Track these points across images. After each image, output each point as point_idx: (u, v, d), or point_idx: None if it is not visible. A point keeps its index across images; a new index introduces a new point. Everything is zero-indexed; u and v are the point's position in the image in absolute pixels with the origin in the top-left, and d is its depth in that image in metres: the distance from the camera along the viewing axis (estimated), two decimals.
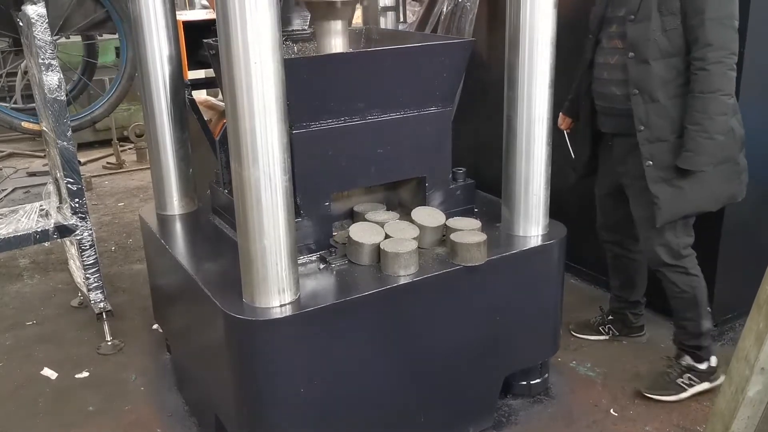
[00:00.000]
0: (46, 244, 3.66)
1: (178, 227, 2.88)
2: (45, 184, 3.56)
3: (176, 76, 2.82)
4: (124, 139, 7.08)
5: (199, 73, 3.51)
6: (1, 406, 2.98)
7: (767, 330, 1.77)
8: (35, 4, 3.02)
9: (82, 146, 6.55)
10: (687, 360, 2.85)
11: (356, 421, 2.33)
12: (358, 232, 2.43)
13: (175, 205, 2.96)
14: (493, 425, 2.72)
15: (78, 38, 5.04)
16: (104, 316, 3.40)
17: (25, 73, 4.70)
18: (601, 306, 3.41)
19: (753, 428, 1.90)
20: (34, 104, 3.60)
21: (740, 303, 2.94)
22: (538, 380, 2.88)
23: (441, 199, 2.69)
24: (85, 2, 4.10)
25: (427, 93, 2.55)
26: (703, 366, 2.83)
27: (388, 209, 2.68)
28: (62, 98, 3.08)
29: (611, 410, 2.82)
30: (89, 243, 3.28)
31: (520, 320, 2.63)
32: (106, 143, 7.00)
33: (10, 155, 6.67)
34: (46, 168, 4.22)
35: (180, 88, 2.87)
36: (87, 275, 3.33)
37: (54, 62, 3.03)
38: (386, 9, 4.14)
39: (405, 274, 2.32)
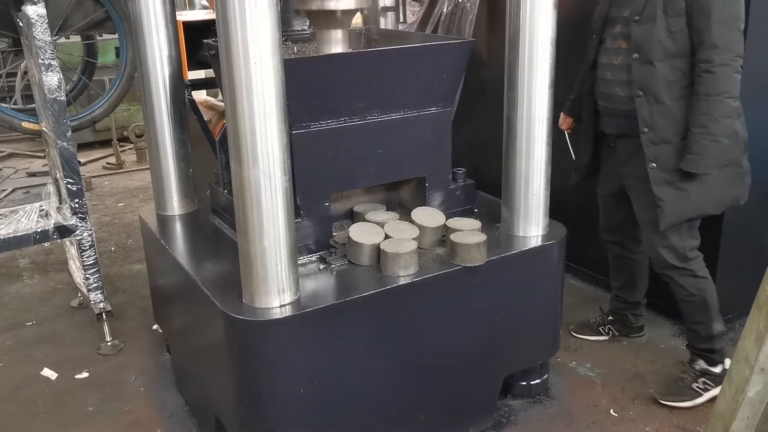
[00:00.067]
0: (46, 244, 3.66)
1: (178, 227, 2.88)
2: (45, 184, 3.56)
3: (176, 76, 2.82)
4: (124, 140, 7.08)
5: (199, 74, 3.51)
6: (1, 406, 2.98)
7: (767, 330, 1.77)
8: (35, 4, 3.02)
9: (82, 146, 6.55)
10: (701, 364, 2.82)
11: (356, 421, 2.33)
12: (358, 232, 2.43)
13: (175, 206, 2.96)
14: (493, 425, 2.72)
15: (77, 38, 5.03)
16: (104, 317, 3.39)
17: (25, 73, 4.70)
18: (601, 306, 3.41)
19: (753, 428, 1.90)
20: (34, 105, 3.60)
21: (740, 303, 2.93)
22: (537, 381, 2.88)
23: (441, 199, 2.69)
24: (85, 2, 4.10)
25: (427, 93, 2.55)
26: (717, 369, 2.80)
27: (388, 209, 2.68)
28: (62, 98, 3.08)
29: (611, 411, 2.82)
30: (89, 243, 3.28)
31: (519, 321, 2.63)
32: (106, 143, 7.00)
33: (10, 155, 6.67)
34: (46, 168, 4.22)
35: (180, 88, 2.87)
36: (87, 275, 3.33)
37: (54, 62, 3.03)
38: (386, 9, 4.14)
39: (405, 274, 2.32)
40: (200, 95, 4.20)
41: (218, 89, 3.78)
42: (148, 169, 3.29)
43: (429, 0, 4.39)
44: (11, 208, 3.38)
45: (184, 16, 3.53)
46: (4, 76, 5.36)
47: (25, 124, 4.14)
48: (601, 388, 2.97)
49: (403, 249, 2.32)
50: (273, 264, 2.08)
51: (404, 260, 2.31)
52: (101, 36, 4.92)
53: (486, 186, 3.05)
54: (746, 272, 2.62)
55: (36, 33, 2.98)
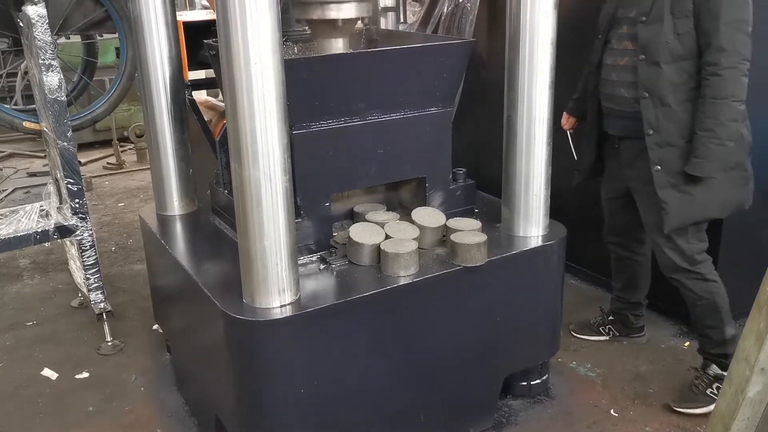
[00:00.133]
0: (47, 244, 3.66)
1: (178, 228, 2.88)
2: (45, 184, 3.56)
3: (176, 76, 2.82)
4: (124, 140, 7.08)
5: (200, 74, 3.51)
6: (1, 406, 2.98)
7: (767, 330, 1.77)
8: (35, 4, 3.02)
9: (83, 146, 6.55)
10: (714, 369, 2.79)
11: (356, 421, 2.33)
12: (359, 232, 2.43)
13: (175, 206, 2.96)
14: (493, 426, 2.72)
15: (78, 38, 5.04)
16: (104, 317, 3.40)
17: (26, 73, 4.70)
18: (601, 306, 3.41)
19: (753, 429, 1.90)
20: (34, 105, 3.60)
21: (740, 304, 2.93)
22: (538, 381, 2.88)
23: (441, 199, 2.69)
24: (84, 2, 4.11)
25: (428, 93, 2.55)
26: None
27: (388, 210, 2.68)
28: (62, 99, 3.08)
29: (611, 411, 2.82)
30: (89, 243, 3.28)
31: (520, 321, 2.63)
32: (106, 143, 7.00)
33: (11, 155, 6.67)
34: (47, 168, 4.23)
35: (180, 88, 2.87)
36: (87, 275, 3.33)
37: (54, 63, 3.03)
38: (386, 9, 4.14)
39: (405, 274, 2.32)
40: (200, 95, 4.20)
41: (218, 89, 3.78)
42: (148, 169, 3.29)
43: (429, 0, 4.39)
44: (11, 208, 3.39)
45: (185, 16, 3.53)
46: (4, 76, 5.37)
47: (26, 124, 4.15)
48: (602, 388, 2.97)
49: (403, 249, 2.32)
50: (273, 264, 2.08)
51: (404, 260, 2.31)
52: (101, 36, 4.93)
53: (486, 186, 3.05)
54: (746, 272, 2.61)
55: (36, 33, 2.98)
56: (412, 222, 2.51)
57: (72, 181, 3.16)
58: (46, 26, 3.00)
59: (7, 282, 4.22)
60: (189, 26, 3.23)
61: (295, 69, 2.19)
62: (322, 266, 2.41)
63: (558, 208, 2.80)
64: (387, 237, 2.42)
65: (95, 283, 3.35)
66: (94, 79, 5.08)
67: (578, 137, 3.10)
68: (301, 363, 2.17)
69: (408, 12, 4.53)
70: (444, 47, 2.56)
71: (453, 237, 2.42)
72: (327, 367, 2.21)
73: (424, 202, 2.65)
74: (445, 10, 4.23)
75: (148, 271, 3.24)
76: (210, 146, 3.22)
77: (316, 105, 2.33)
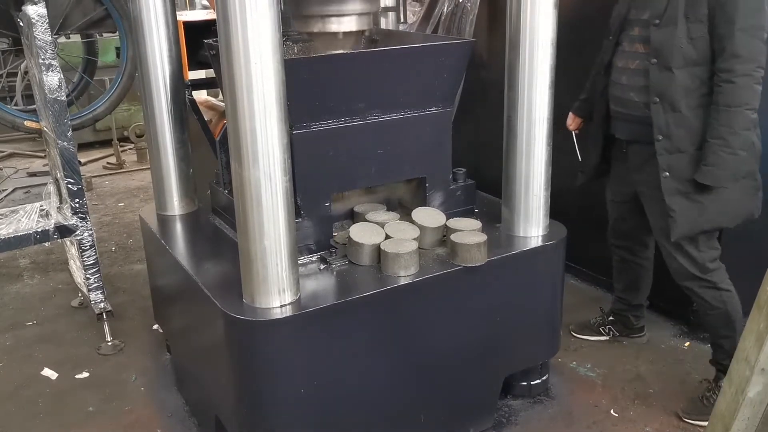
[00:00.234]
0: (47, 244, 3.65)
1: (179, 227, 2.88)
2: (45, 184, 3.56)
3: (176, 76, 2.82)
4: (124, 140, 7.08)
5: (200, 74, 3.50)
6: (1, 406, 2.98)
7: (767, 331, 1.77)
8: (36, 4, 3.02)
9: (83, 146, 6.55)
10: None
11: (356, 421, 2.33)
12: (359, 232, 2.43)
13: (176, 206, 2.96)
14: (493, 426, 2.72)
15: (78, 38, 5.04)
16: (104, 317, 3.39)
17: (26, 73, 4.70)
18: (601, 307, 3.40)
19: (753, 429, 1.90)
20: (34, 106, 3.60)
21: (741, 304, 2.93)
22: (538, 381, 2.88)
23: (441, 199, 2.69)
24: (84, 0, 4.11)
25: (428, 93, 2.55)
26: None
27: (388, 210, 2.67)
28: (62, 98, 3.08)
29: (611, 411, 2.82)
30: (89, 243, 3.28)
31: (520, 321, 2.63)
32: (106, 143, 7.00)
33: (11, 155, 6.67)
34: (47, 168, 4.23)
35: (180, 88, 2.87)
36: (87, 275, 3.33)
37: (54, 62, 3.03)
38: (387, 9, 4.14)
39: (405, 274, 2.32)
40: (201, 95, 4.20)
41: (219, 89, 3.78)
42: (148, 169, 3.29)
43: (429, 0, 4.39)
44: (12, 208, 3.38)
45: (185, 16, 3.53)
46: (4, 76, 5.37)
47: (27, 123, 4.15)
48: (602, 389, 2.97)
49: (403, 249, 2.32)
50: (273, 264, 2.08)
51: (405, 260, 2.31)
52: (101, 36, 4.93)
53: (486, 186, 3.05)
54: (746, 273, 2.62)
55: (36, 33, 2.98)
56: (413, 222, 2.51)
57: (72, 180, 3.16)
58: (46, 26, 2.99)
59: (7, 282, 4.22)
60: (189, 26, 3.23)
61: (295, 69, 2.19)
62: (322, 266, 2.41)
63: (558, 208, 2.80)
64: (387, 237, 2.42)
65: (95, 283, 3.35)
66: (94, 78, 5.08)
67: (583, 138, 3.08)
68: (301, 363, 2.17)
69: (408, 12, 4.53)
70: (444, 47, 2.56)
71: (453, 237, 2.42)
72: (327, 367, 2.21)
73: (424, 202, 2.65)
74: (445, 10, 4.23)
75: (148, 271, 3.24)
76: (210, 146, 3.22)
77: (316, 105, 2.33)
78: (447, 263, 2.42)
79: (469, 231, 2.46)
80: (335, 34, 2.57)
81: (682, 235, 2.57)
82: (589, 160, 3.00)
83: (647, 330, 3.31)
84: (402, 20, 4.42)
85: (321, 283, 2.31)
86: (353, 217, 2.65)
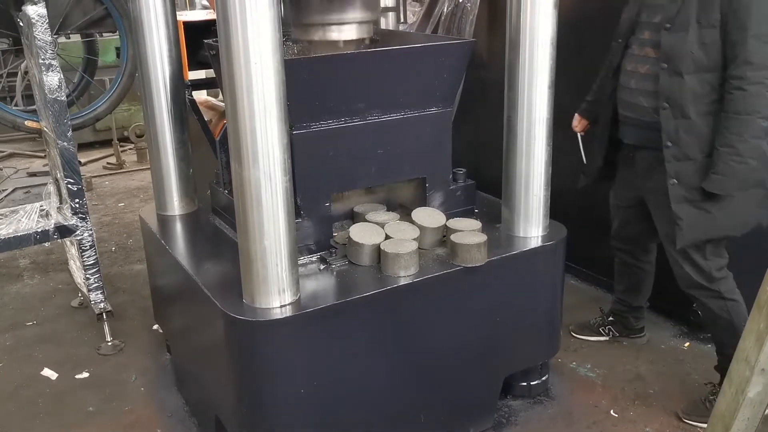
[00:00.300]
0: (47, 244, 3.66)
1: (179, 228, 2.88)
2: (45, 184, 3.56)
3: (176, 76, 2.82)
4: (124, 140, 7.08)
5: (200, 74, 3.51)
6: (1, 406, 2.98)
7: (767, 331, 1.77)
8: (36, 4, 3.02)
9: (83, 146, 6.55)
10: None
11: (356, 421, 2.33)
12: (359, 232, 2.43)
13: (176, 206, 2.96)
14: (493, 426, 2.72)
15: (78, 38, 5.04)
16: (104, 317, 3.39)
17: (26, 73, 4.70)
18: (600, 307, 3.40)
19: (753, 429, 1.90)
20: (34, 106, 3.61)
21: (747, 313, 2.93)
22: (538, 381, 2.88)
23: (441, 199, 2.69)
24: (84, 0, 4.11)
25: (428, 94, 2.55)
26: None
27: (388, 210, 2.67)
28: (62, 98, 3.08)
29: (611, 411, 2.82)
30: (89, 243, 3.28)
31: (520, 321, 2.63)
32: (106, 143, 7.00)
33: (11, 155, 6.67)
34: (47, 168, 4.23)
35: (180, 88, 2.87)
36: (87, 275, 3.33)
37: (54, 62, 3.03)
38: (387, 9, 4.14)
39: (405, 274, 2.32)
40: (201, 95, 4.21)
41: (219, 89, 3.78)
42: (148, 169, 3.29)
43: (429, 0, 4.39)
44: (12, 208, 3.38)
45: (185, 16, 3.53)
46: (5, 76, 5.38)
47: (28, 123, 4.16)
48: (602, 389, 2.97)
49: (403, 249, 2.32)
50: (273, 264, 2.08)
51: (405, 260, 2.31)
52: (101, 35, 4.93)
53: (486, 186, 3.05)
54: (746, 273, 2.61)
55: (36, 33, 2.98)
56: (412, 222, 2.51)
57: (72, 181, 3.16)
58: (46, 26, 2.99)
59: (7, 282, 4.22)
60: (189, 26, 3.23)
61: (295, 69, 2.19)
62: (322, 266, 2.41)
63: (558, 209, 2.80)
64: (387, 237, 2.42)
65: (95, 283, 3.35)
66: (94, 78, 5.08)
67: (588, 140, 3.05)
68: (301, 363, 2.17)
69: (408, 12, 4.53)
70: (444, 47, 2.55)
71: (453, 237, 2.42)
72: (327, 367, 2.21)
73: (424, 202, 2.65)
74: (445, 10, 4.23)
75: (148, 271, 3.24)
76: (210, 146, 3.22)
77: (317, 105, 2.33)
78: (447, 263, 2.41)
79: (469, 231, 2.46)
80: (335, 42, 2.57)
81: (689, 243, 2.54)
82: (592, 163, 2.97)
83: (647, 330, 3.30)
84: (402, 20, 4.42)
85: (321, 284, 2.31)
86: (353, 217, 2.65)
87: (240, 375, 2.18)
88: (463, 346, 2.50)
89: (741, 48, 2.32)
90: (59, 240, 3.36)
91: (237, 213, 2.08)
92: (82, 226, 3.24)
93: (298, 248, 2.29)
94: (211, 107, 3.92)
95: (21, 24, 3.18)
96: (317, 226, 2.45)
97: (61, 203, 3.34)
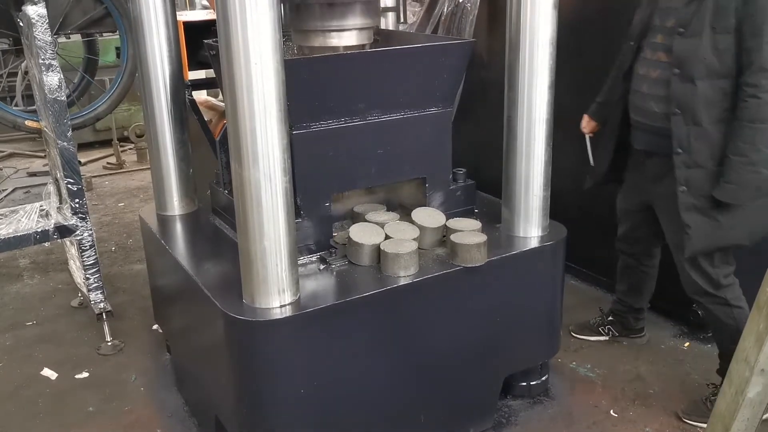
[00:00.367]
0: (46, 244, 3.66)
1: (178, 228, 2.88)
2: (45, 184, 3.56)
3: (176, 76, 2.82)
4: (124, 140, 7.08)
5: (200, 74, 3.51)
6: (1, 406, 2.98)
7: (767, 331, 1.77)
8: (35, 4, 3.02)
9: (83, 146, 6.55)
10: None
11: (356, 421, 2.33)
12: (358, 232, 2.43)
13: (176, 206, 2.96)
14: (493, 426, 2.72)
15: (78, 38, 5.04)
16: (104, 317, 3.39)
17: (26, 73, 4.70)
18: (600, 307, 3.40)
19: (753, 429, 1.90)
20: (34, 107, 3.60)
21: None
22: (538, 381, 2.88)
23: (441, 199, 2.69)
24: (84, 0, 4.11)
25: (428, 94, 2.55)
26: None
27: (388, 210, 2.67)
28: (62, 98, 3.08)
29: (611, 411, 2.82)
30: (89, 243, 3.28)
31: (520, 321, 2.63)
32: (106, 143, 7.00)
33: (11, 155, 6.67)
34: (47, 168, 4.23)
35: (180, 88, 2.87)
36: (87, 275, 3.33)
37: (54, 62, 3.03)
38: (387, 9, 4.14)
39: (405, 274, 2.32)
40: (201, 95, 4.21)
41: (219, 89, 3.78)
42: (148, 169, 3.29)
43: (429, 0, 4.39)
44: (11, 208, 3.39)
45: (185, 16, 3.53)
46: (5, 76, 5.38)
47: (28, 122, 4.16)
48: (602, 389, 2.97)
49: (403, 249, 2.32)
50: (273, 264, 2.08)
51: (404, 261, 2.31)
52: (101, 35, 4.93)
53: (486, 186, 3.05)
54: (746, 273, 2.62)
55: (36, 33, 2.98)
56: (412, 222, 2.51)
57: (72, 181, 3.16)
58: (46, 26, 2.99)
59: (7, 282, 4.22)
60: (189, 26, 3.23)
61: (296, 69, 2.19)
62: (322, 266, 2.41)
63: (558, 208, 2.80)
64: (387, 237, 2.42)
65: (95, 283, 3.35)
66: (95, 78, 5.08)
67: (597, 142, 3.01)
68: (301, 363, 2.17)
69: (408, 12, 4.53)
70: (444, 47, 2.55)
71: (453, 237, 2.42)
72: (327, 367, 2.21)
73: (424, 202, 2.65)
74: (445, 10, 4.23)
75: (148, 271, 3.24)
76: (210, 146, 3.22)
77: (316, 105, 2.33)
78: (447, 263, 2.41)
79: (469, 231, 2.46)
80: (335, 48, 2.57)
81: (697, 251, 2.51)
82: (599, 166, 2.94)
83: (647, 330, 3.30)
84: (402, 20, 4.42)
85: (321, 284, 2.31)
86: (353, 217, 2.65)
87: (240, 375, 2.18)
88: (463, 346, 2.50)
89: (756, 55, 2.28)
90: (59, 240, 3.36)
91: (237, 213, 2.08)
92: (82, 226, 3.24)
93: (298, 248, 2.29)
94: (211, 107, 3.92)
95: (21, 24, 3.18)
96: (317, 226, 2.45)
97: (61, 203, 3.34)
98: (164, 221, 2.93)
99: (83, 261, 3.30)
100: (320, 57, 2.54)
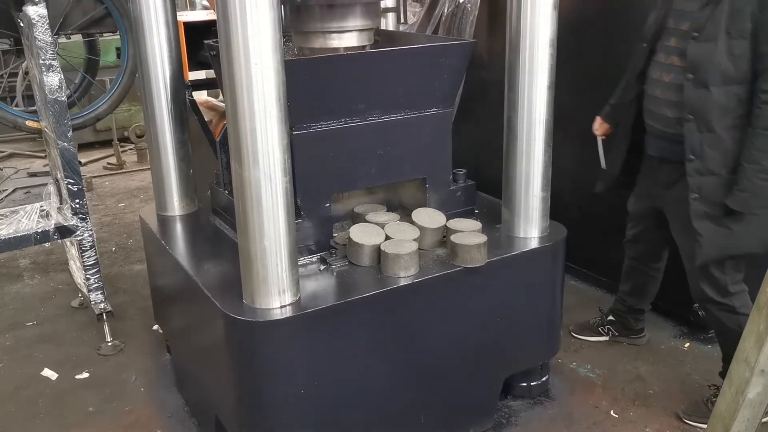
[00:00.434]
0: (47, 244, 3.66)
1: (179, 228, 2.88)
2: (45, 184, 3.56)
3: (177, 76, 2.82)
4: (124, 140, 7.08)
5: (200, 74, 3.51)
6: (2, 406, 2.98)
7: (767, 332, 1.77)
8: (36, 4, 3.02)
9: (83, 147, 6.55)
10: None
11: (356, 421, 2.33)
12: (359, 233, 2.43)
13: (176, 206, 2.96)
14: (493, 426, 2.72)
15: (79, 38, 5.04)
16: (104, 317, 3.39)
17: (26, 73, 4.70)
18: (600, 307, 3.40)
19: (753, 430, 1.90)
20: (35, 106, 3.60)
21: None
22: (538, 382, 2.88)
23: (441, 200, 2.69)
24: (84, 0, 4.11)
25: (428, 94, 2.55)
26: None
27: (388, 210, 2.68)
28: (63, 99, 3.08)
29: (611, 412, 2.82)
30: (89, 244, 3.28)
31: (520, 322, 2.63)
32: (106, 144, 7.00)
33: (11, 155, 6.67)
34: (47, 168, 4.23)
35: (180, 88, 2.87)
36: (87, 276, 3.33)
37: (54, 63, 3.03)
38: (387, 10, 4.14)
39: (405, 275, 2.32)
40: (201, 96, 4.21)
41: (219, 90, 3.78)
42: (148, 169, 3.30)
43: (430, 1, 4.40)
44: (12, 209, 3.38)
45: (185, 16, 3.53)
46: (5, 76, 5.38)
47: (29, 123, 4.16)
48: (602, 389, 2.97)
49: (403, 250, 2.32)
50: (273, 264, 2.08)
51: (405, 261, 2.31)
52: (101, 35, 4.93)
53: (486, 187, 3.05)
54: (746, 274, 2.62)
55: (37, 33, 2.98)
56: (413, 223, 2.51)
57: (72, 181, 3.16)
58: (47, 26, 3.00)
59: (7, 282, 4.22)
60: (189, 26, 3.23)
61: (296, 69, 2.19)
62: (322, 267, 2.41)
63: (558, 209, 2.80)
64: (387, 238, 2.42)
65: (95, 283, 3.35)
66: (96, 78, 5.08)
67: (609, 145, 2.99)
68: (301, 363, 2.17)
69: (408, 12, 4.54)
70: (444, 48, 2.56)
71: (453, 238, 2.42)
72: (327, 368, 2.21)
73: (424, 202, 2.65)
74: (446, 10, 4.23)
75: (148, 271, 3.24)
76: (210, 146, 3.22)
77: (317, 105, 2.33)
78: (447, 264, 2.41)
79: (469, 232, 2.46)
80: (336, 50, 2.57)
81: (708, 260, 2.49)
82: (611, 170, 2.91)
83: (647, 331, 3.30)
84: (402, 21, 4.43)
85: (321, 284, 2.31)
86: (353, 217, 2.65)
87: (240, 375, 2.18)
88: (464, 346, 2.50)
89: None
90: (59, 240, 3.36)
91: (237, 213, 2.08)
92: (82, 227, 3.24)
93: (299, 249, 2.29)
94: (212, 107, 3.92)
95: (21, 24, 3.18)
96: (317, 226, 2.45)
97: (61, 203, 3.34)
98: (164, 221, 2.93)
99: (83, 261, 3.30)
100: (320, 57, 2.54)
